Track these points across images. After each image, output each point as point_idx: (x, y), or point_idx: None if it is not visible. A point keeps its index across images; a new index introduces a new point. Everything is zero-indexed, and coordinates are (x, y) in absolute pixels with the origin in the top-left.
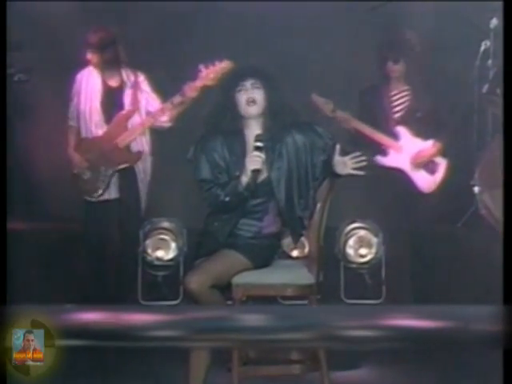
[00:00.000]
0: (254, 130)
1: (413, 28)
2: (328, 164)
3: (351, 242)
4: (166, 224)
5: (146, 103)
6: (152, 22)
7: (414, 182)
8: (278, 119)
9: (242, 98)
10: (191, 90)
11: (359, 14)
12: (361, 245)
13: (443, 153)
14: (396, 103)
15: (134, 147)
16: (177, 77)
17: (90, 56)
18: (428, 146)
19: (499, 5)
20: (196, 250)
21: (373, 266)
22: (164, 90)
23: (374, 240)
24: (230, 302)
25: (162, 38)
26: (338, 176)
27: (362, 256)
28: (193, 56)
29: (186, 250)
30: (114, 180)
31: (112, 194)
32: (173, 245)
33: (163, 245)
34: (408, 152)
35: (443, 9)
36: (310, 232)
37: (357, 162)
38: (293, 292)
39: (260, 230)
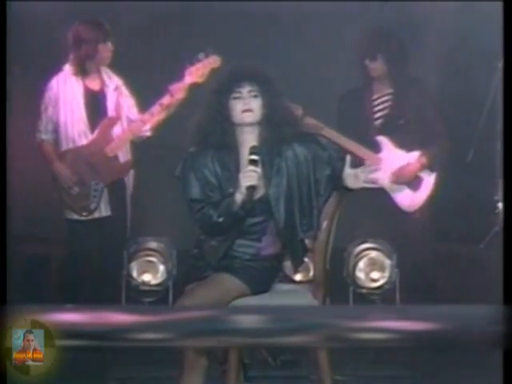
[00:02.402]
0: (248, 141)
1: (430, 27)
2: (333, 179)
3: (361, 264)
4: (153, 244)
5: (127, 109)
6: (135, 21)
7: (393, 199)
8: (276, 130)
9: (237, 106)
10: (179, 89)
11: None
12: (372, 268)
13: (431, 167)
14: (377, 109)
15: (122, 157)
16: (160, 80)
17: (70, 56)
18: (412, 159)
19: None
20: (187, 274)
21: (386, 291)
22: (145, 94)
23: (387, 262)
24: None
25: (145, 39)
26: (349, 190)
27: (374, 280)
28: (178, 57)
29: (175, 273)
30: (105, 195)
31: (104, 210)
32: (161, 268)
33: (150, 268)
34: (388, 166)
35: (461, 7)
36: (315, 253)
37: (370, 174)
38: None
39: (258, 251)
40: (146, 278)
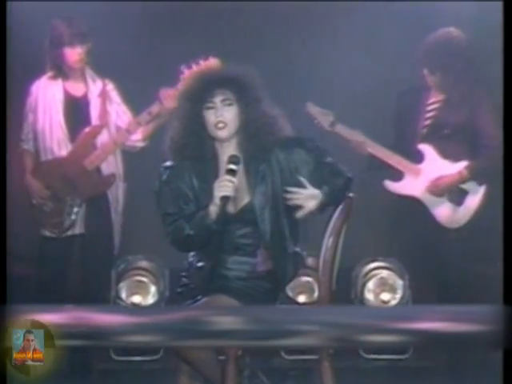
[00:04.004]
0: (227, 151)
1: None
2: None
3: (371, 284)
4: (144, 263)
5: (116, 117)
6: (124, 20)
7: (431, 213)
8: (255, 140)
9: (210, 118)
10: (170, 96)
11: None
12: (383, 289)
13: (479, 179)
14: (426, 116)
15: (105, 170)
16: (154, 84)
17: (48, 57)
18: (454, 169)
19: None
20: (180, 295)
21: None
22: (138, 101)
23: (399, 283)
24: (222, 358)
25: (136, 39)
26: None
27: (385, 302)
28: (172, 60)
29: (168, 295)
30: (83, 211)
31: (79, 228)
32: (152, 288)
33: (141, 288)
34: (428, 176)
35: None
36: (320, 273)
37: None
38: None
39: (254, 267)
40: (136, 299)
